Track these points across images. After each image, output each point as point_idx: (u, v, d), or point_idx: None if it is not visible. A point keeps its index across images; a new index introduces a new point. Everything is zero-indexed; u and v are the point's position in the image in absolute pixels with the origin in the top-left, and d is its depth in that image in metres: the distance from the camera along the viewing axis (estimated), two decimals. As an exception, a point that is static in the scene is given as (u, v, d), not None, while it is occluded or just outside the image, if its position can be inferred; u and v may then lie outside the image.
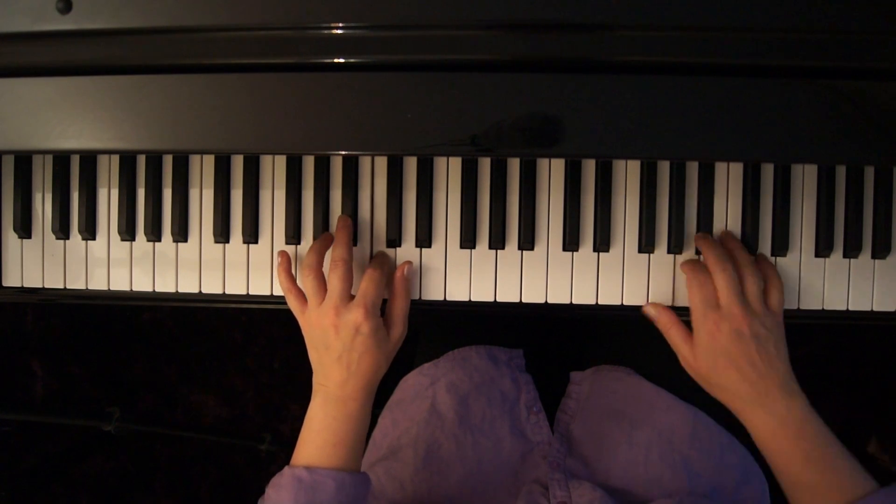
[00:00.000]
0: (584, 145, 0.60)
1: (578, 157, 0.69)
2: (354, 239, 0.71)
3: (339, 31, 0.59)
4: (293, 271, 0.71)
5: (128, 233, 0.72)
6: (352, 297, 0.65)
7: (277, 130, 0.61)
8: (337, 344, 0.64)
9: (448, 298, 0.72)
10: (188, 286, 0.73)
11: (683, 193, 0.70)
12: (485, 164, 0.71)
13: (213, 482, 1.55)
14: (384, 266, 0.68)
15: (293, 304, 0.67)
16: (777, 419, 0.61)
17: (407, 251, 0.71)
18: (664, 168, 0.71)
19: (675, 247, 0.70)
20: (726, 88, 0.59)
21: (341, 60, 0.60)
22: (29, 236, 0.74)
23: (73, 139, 0.61)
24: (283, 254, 0.70)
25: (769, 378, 0.61)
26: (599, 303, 0.71)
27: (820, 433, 0.60)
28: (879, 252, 0.70)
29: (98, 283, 0.73)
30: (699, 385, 0.69)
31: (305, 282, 0.66)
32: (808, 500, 0.59)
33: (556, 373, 0.85)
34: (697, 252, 0.71)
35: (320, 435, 0.64)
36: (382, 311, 0.67)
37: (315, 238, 0.72)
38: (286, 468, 0.63)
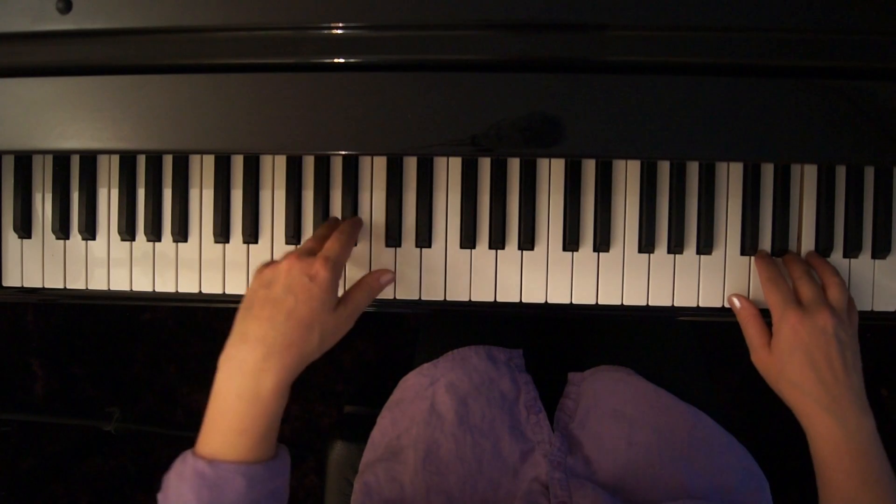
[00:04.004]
0: (584, 145, 0.60)
1: (578, 157, 0.69)
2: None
3: (339, 31, 0.59)
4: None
5: (128, 233, 0.72)
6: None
7: (277, 130, 0.61)
8: (282, 282, 0.57)
9: (448, 298, 0.72)
10: (188, 286, 0.73)
11: (683, 193, 0.70)
12: (485, 164, 0.71)
13: (213, 482, 1.55)
14: (355, 228, 0.66)
15: (260, 267, 0.62)
16: (846, 432, 0.60)
17: (407, 251, 0.71)
18: (664, 168, 0.71)
19: (675, 247, 0.70)
20: (726, 88, 0.59)
21: (341, 60, 0.60)
22: (29, 236, 0.74)
23: (73, 139, 0.61)
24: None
25: (845, 386, 0.61)
26: (599, 303, 0.71)
27: (882, 458, 0.60)
28: (879, 252, 0.70)
29: (98, 283, 0.73)
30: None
31: (291, 254, 0.61)
32: None
33: (556, 373, 0.85)
34: (697, 252, 0.71)
35: (224, 418, 0.55)
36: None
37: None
38: (189, 455, 0.55)
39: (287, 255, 0.60)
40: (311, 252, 0.60)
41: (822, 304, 0.63)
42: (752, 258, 0.70)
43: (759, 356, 0.66)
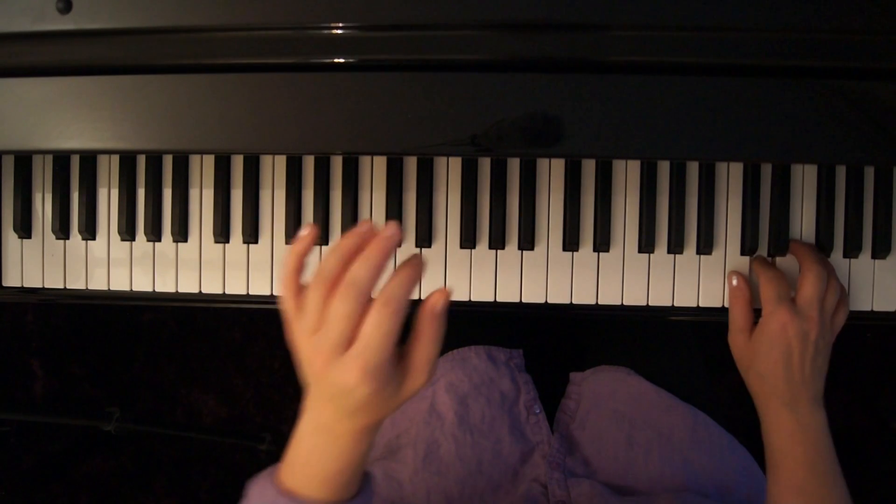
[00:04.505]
0: (584, 145, 0.60)
1: (578, 157, 0.69)
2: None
3: (339, 31, 0.59)
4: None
5: (128, 233, 0.72)
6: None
7: (277, 130, 0.61)
8: (324, 391, 0.47)
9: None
10: (188, 286, 0.73)
11: (683, 193, 0.70)
12: (485, 164, 0.71)
13: (213, 482, 1.55)
14: (408, 290, 0.46)
15: (287, 302, 0.48)
16: (801, 425, 0.63)
17: (407, 251, 0.71)
18: (664, 168, 0.71)
19: (675, 247, 0.70)
20: (726, 88, 0.59)
21: (341, 60, 0.60)
22: (29, 236, 0.74)
23: (73, 139, 0.61)
24: (310, 231, 0.49)
25: (807, 387, 0.63)
26: (599, 303, 0.71)
27: (830, 450, 0.63)
28: (879, 252, 0.70)
29: (98, 283, 0.73)
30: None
31: (310, 291, 0.46)
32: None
33: (556, 373, 0.85)
34: (697, 252, 0.71)
35: (308, 466, 0.51)
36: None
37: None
38: (271, 483, 0.52)
39: (317, 346, 0.45)
40: (344, 340, 0.44)
41: (815, 308, 0.64)
42: (752, 261, 0.70)
43: (737, 339, 0.67)
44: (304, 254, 0.49)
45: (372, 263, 0.45)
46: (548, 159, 0.71)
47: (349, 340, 0.44)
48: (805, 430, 0.63)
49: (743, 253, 0.71)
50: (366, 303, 0.45)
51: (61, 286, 0.74)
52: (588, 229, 0.71)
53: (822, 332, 0.64)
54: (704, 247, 0.70)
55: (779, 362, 0.63)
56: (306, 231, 0.49)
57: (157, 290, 0.73)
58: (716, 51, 0.58)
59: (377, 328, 0.44)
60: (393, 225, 0.46)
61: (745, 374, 0.67)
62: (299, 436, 0.52)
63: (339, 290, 0.44)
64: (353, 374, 0.44)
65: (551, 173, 0.71)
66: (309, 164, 0.72)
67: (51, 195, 0.73)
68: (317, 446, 0.50)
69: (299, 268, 0.49)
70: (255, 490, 0.53)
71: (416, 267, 0.47)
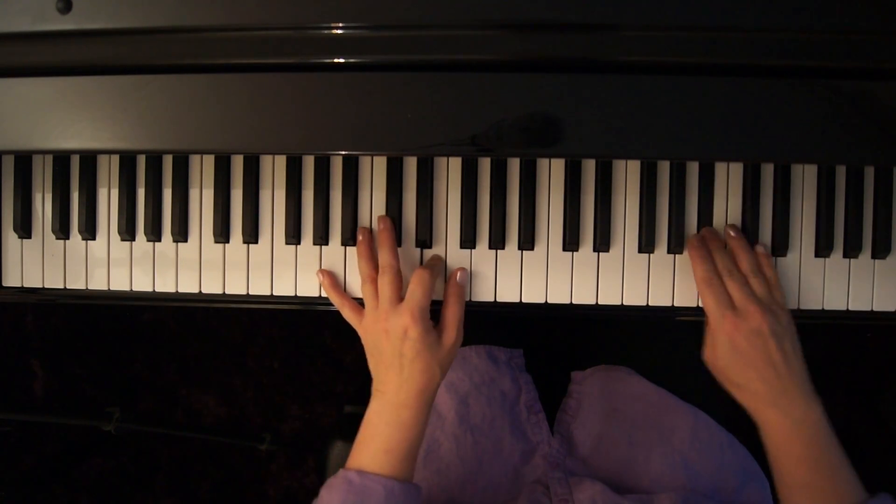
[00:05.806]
0: (584, 145, 0.60)
1: (578, 157, 0.69)
2: (356, 238, 0.71)
3: (339, 31, 0.59)
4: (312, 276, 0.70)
5: (128, 233, 0.72)
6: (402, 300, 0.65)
7: (277, 130, 0.61)
8: (388, 348, 0.64)
9: (448, 298, 0.72)
10: (188, 286, 0.73)
11: (683, 193, 0.70)
12: (485, 164, 0.71)
13: (213, 482, 1.55)
14: (434, 268, 0.68)
15: (349, 316, 0.69)
16: (792, 421, 0.61)
17: (407, 251, 0.71)
18: (664, 168, 0.71)
19: (675, 247, 0.70)
20: (726, 88, 0.59)
21: (341, 60, 0.60)
22: (29, 236, 0.74)
23: (73, 139, 0.61)
24: (324, 273, 0.71)
25: (787, 377, 0.61)
26: (599, 303, 0.71)
27: (830, 440, 0.61)
28: (879, 252, 0.70)
29: (98, 283, 0.73)
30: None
31: (363, 289, 0.68)
32: (801, 501, 0.60)
33: (556, 373, 0.85)
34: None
35: (374, 440, 0.64)
36: (436, 319, 0.67)
37: (315, 236, 0.72)
38: (341, 470, 0.64)
39: (378, 313, 0.65)
40: (395, 299, 0.65)
41: (751, 301, 0.63)
42: (687, 248, 0.69)
43: (705, 355, 0.66)
44: (333, 284, 0.71)
45: (387, 248, 0.68)
46: (548, 159, 0.71)
47: (398, 300, 0.65)
48: (799, 426, 0.60)
49: (743, 253, 0.71)
50: (399, 274, 0.66)
51: (61, 286, 0.74)
52: (588, 229, 0.71)
53: (773, 317, 0.62)
54: (704, 247, 0.70)
55: (746, 367, 0.62)
56: (320, 277, 0.71)
57: (157, 290, 0.73)
58: (716, 51, 0.58)
59: (418, 286, 0.64)
60: (383, 218, 0.70)
61: (727, 387, 0.65)
62: (367, 419, 0.65)
63: (380, 273, 0.66)
64: (407, 314, 0.63)
65: (551, 173, 0.71)
66: (309, 164, 0.72)
67: (51, 195, 0.73)
68: (381, 419, 0.64)
69: (342, 292, 0.71)
70: (324, 489, 0.63)
71: (437, 259, 0.71)
